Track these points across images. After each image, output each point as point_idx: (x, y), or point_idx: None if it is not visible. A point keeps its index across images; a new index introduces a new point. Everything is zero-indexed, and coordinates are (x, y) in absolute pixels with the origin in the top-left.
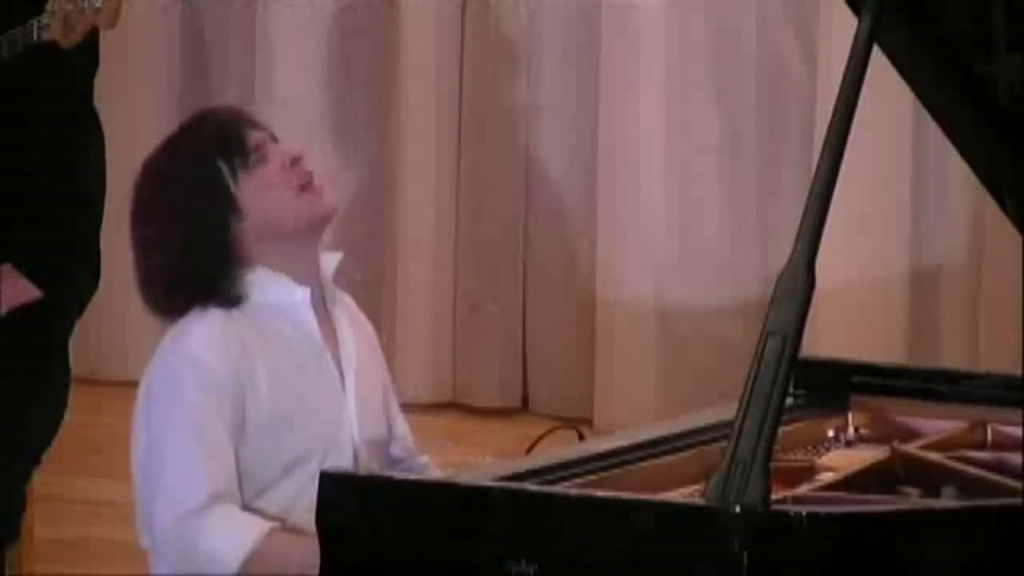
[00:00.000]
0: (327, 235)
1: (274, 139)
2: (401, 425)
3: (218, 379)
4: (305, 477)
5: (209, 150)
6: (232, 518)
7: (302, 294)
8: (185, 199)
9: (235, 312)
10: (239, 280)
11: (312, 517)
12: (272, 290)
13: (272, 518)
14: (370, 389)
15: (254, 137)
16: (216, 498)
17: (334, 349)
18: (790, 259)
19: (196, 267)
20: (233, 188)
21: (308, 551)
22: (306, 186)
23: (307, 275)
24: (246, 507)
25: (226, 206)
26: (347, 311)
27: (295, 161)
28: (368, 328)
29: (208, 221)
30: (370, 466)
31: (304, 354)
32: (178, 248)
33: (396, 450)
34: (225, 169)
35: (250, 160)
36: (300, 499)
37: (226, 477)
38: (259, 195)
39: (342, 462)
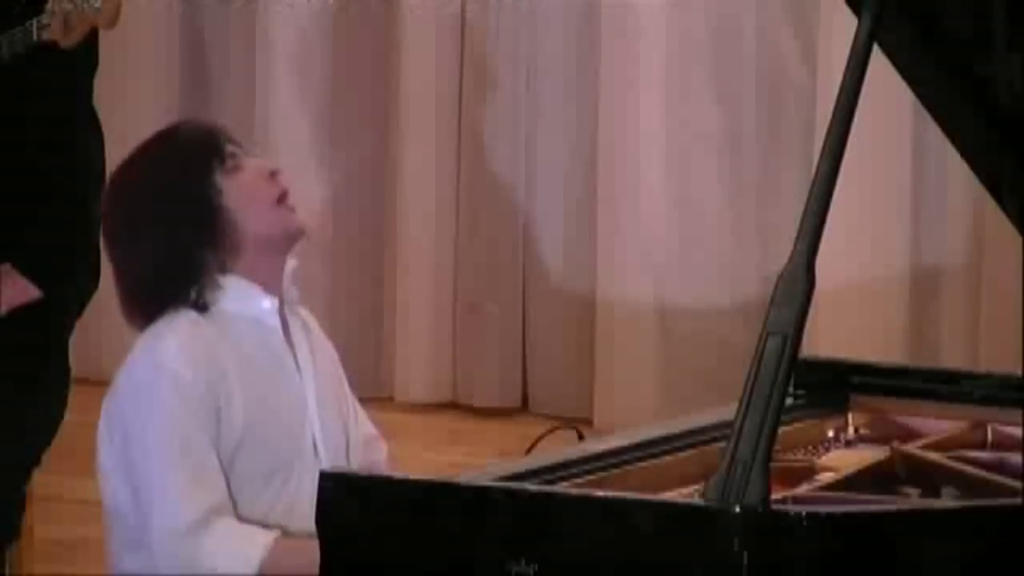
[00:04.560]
0: (330, 235)
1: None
2: (359, 431)
3: (195, 391)
4: (279, 486)
5: (184, 154)
6: (234, 533)
7: (270, 304)
8: (159, 204)
9: (202, 320)
10: (211, 287)
11: (292, 520)
12: (242, 299)
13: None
14: (332, 399)
15: (229, 146)
16: (213, 512)
17: (292, 356)
18: (790, 259)
19: (171, 273)
20: (210, 192)
21: (315, 554)
22: (282, 199)
23: (274, 286)
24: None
25: (200, 211)
26: (304, 323)
27: (272, 174)
28: (327, 345)
29: (182, 227)
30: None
31: (270, 362)
32: (151, 256)
33: (373, 455)
34: (200, 173)
35: (226, 166)
36: (275, 508)
37: (219, 490)
38: (235, 202)
39: (306, 466)
